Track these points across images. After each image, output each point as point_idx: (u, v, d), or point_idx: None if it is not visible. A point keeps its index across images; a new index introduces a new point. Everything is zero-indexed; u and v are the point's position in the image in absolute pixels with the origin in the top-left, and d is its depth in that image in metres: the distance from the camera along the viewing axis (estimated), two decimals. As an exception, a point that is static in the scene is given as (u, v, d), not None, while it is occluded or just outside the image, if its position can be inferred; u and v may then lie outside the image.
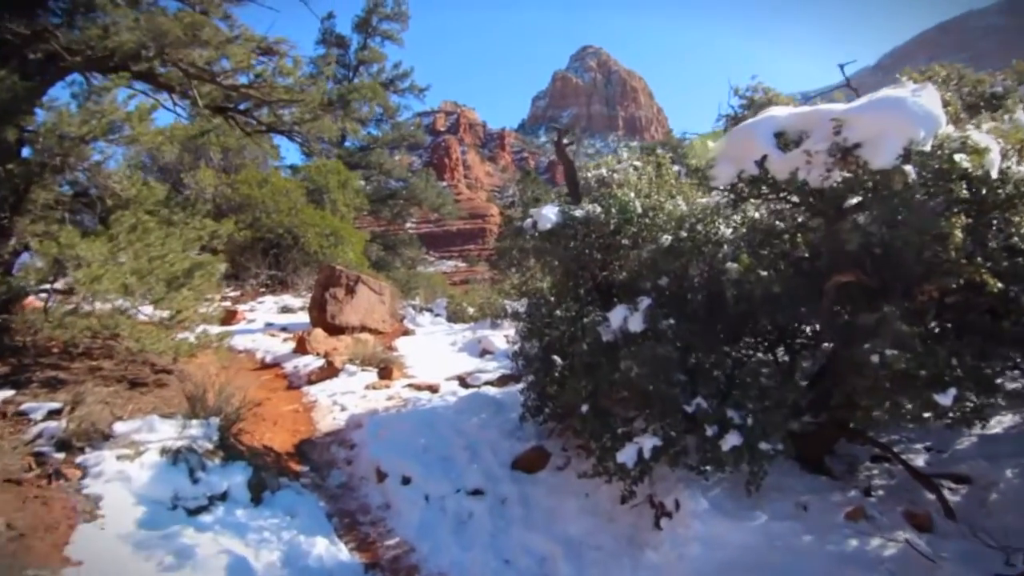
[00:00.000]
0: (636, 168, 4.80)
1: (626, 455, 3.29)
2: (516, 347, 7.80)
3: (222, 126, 8.48)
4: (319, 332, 8.84)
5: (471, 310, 12.38)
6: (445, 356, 9.06)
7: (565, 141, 5.66)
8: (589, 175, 5.06)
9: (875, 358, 2.66)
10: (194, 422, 4.21)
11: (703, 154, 5.13)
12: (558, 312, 4.31)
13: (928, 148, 2.56)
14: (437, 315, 12.31)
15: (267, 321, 11.25)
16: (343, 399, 6.61)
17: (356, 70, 22.17)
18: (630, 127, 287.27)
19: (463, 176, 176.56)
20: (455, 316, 12.24)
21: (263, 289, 15.45)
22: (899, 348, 2.62)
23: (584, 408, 3.52)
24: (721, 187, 3.22)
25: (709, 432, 3.17)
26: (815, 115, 2.75)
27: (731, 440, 3.09)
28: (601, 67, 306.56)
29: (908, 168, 2.49)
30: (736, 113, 5.72)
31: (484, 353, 8.87)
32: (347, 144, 22.65)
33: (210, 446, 4.06)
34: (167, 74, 5.64)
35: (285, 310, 13.01)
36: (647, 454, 3.25)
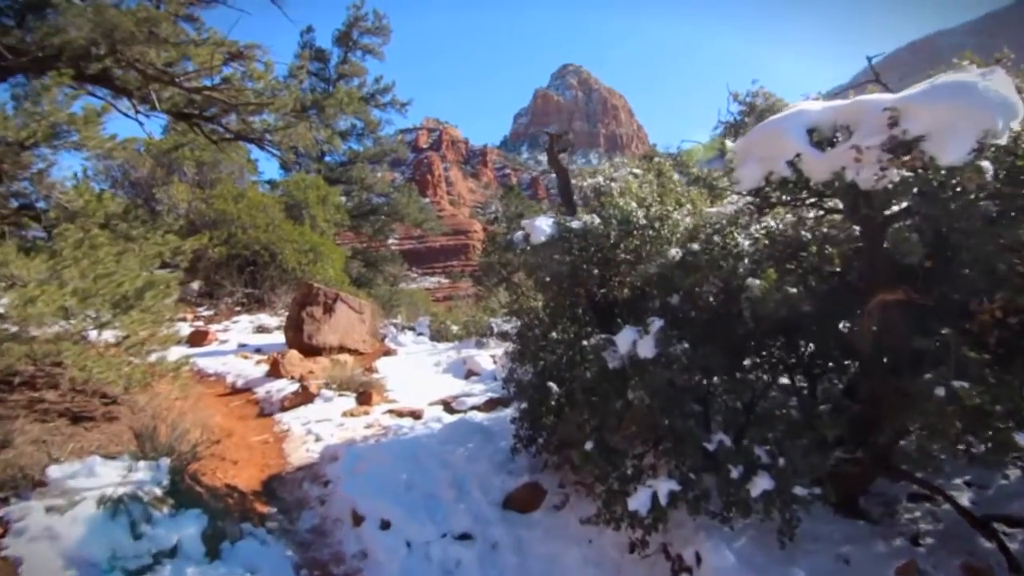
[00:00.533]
0: (636, 176, 4.41)
1: (639, 501, 2.85)
2: (506, 371, 7.35)
3: (192, 137, 8.00)
4: (294, 354, 8.31)
5: (455, 328, 11.90)
6: (428, 378, 8.57)
7: (558, 148, 5.26)
8: (584, 184, 4.67)
9: (940, 391, 2.27)
10: (141, 464, 3.68)
11: (705, 159, 4.71)
12: (554, 334, 3.89)
13: (1004, 141, 2.20)
14: (420, 334, 11.82)
15: (240, 342, 10.68)
16: (318, 428, 6.09)
17: (336, 84, 21.74)
18: (611, 144, 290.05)
19: (446, 192, 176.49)
20: (439, 335, 11.75)
21: (238, 308, 14.84)
22: (966, 378, 2.24)
23: (588, 445, 3.08)
24: (745, 192, 2.84)
25: (734, 473, 2.75)
26: (861, 106, 2.36)
27: (761, 483, 2.67)
28: (582, 85, 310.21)
29: (985, 164, 2.11)
30: (736, 120, 5.36)
31: (470, 375, 8.40)
32: (327, 159, 22.20)
33: (159, 492, 3.53)
34: (124, 76, 5.16)
35: (260, 330, 12.44)
36: (663, 500, 2.81)
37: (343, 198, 21.25)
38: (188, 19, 6.35)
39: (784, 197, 2.74)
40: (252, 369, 8.66)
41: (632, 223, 3.67)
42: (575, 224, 3.82)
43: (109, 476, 3.52)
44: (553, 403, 3.82)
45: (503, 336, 10.70)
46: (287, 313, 10.84)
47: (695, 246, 3.25)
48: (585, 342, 3.78)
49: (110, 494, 3.30)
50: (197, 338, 10.58)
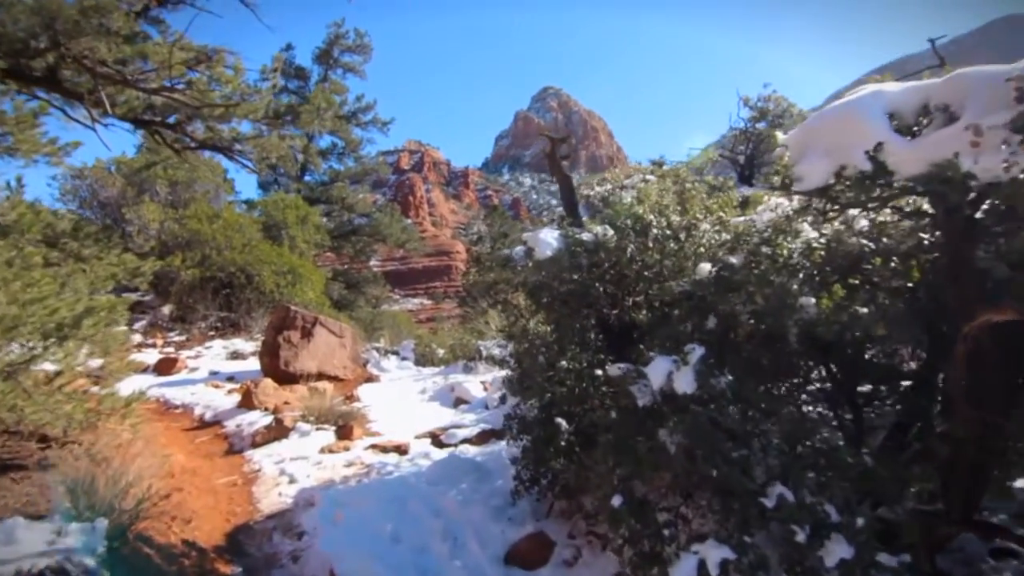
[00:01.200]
0: (647, 182, 3.94)
1: (683, 572, 2.31)
2: (500, 399, 6.76)
3: (164, 155, 7.39)
4: (268, 383, 7.68)
5: (441, 352, 11.32)
6: (414, 407, 7.97)
7: (560, 154, 4.76)
8: (591, 193, 4.18)
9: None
10: (73, 526, 3.07)
11: (702, 166, 4.24)
12: (563, 362, 3.35)
13: None
14: (404, 358, 11.22)
15: (212, 369, 9.99)
16: (293, 467, 5.47)
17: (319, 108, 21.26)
18: (592, 165, 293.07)
19: (428, 214, 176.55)
20: (424, 359, 11.17)
21: (212, 332, 14.12)
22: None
23: (616, 500, 2.54)
24: (808, 191, 2.36)
25: (800, 536, 2.23)
26: (965, 81, 1.92)
27: (837, 551, 2.15)
28: (562, 107, 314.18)
29: None
30: (746, 127, 4.94)
31: (458, 403, 7.82)
32: (307, 178, 21.64)
33: (92, 562, 2.92)
34: (73, 77, 4.59)
35: (235, 356, 11.75)
36: (713, 570, 2.27)
37: (323, 218, 20.66)
38: (153, 21, 5.83)
39: (860, 197, 2.27)
40: (223, 400, 8.00)
41: (652, 234, 3.19)
42: (585, 236, 3.33)
43: (32, 543, 2.90)
44: (563, 443, 3.29)
45: (493, 360, 10.16)
46: (263, 338, 10.20)
47: (734, 259, 2.77)
48: (599, 371, 3.27)
49: (27, 569, 2.68)
50: (165, 366, 9.89)
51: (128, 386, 9.41)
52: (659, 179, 3.91)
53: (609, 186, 4.10)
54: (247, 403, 7.31)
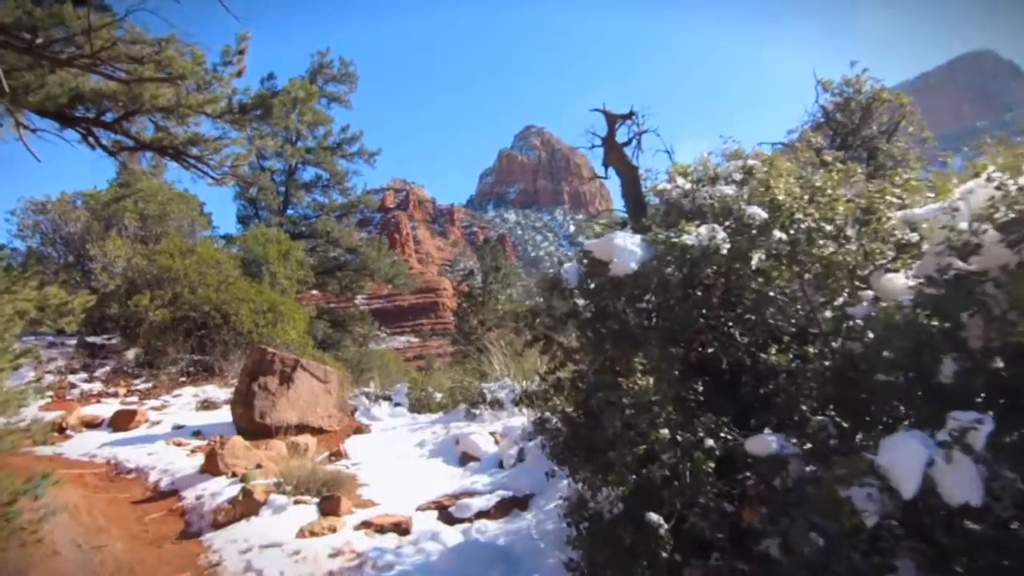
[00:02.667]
0: (747, 169, 2.86)
1: None
2: (521, 460, 5.66)
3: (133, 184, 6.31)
4: (237, 442, 6.44)
5: (438, 396, 10.13)
6: (413, 465, 6.78)
7: (626, 138, 3.72)
8: (669, 187, 3.11)
9: None
10: None
11: None
12: (664, 432, 2.25)
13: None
14: (397, 404, 9.99)
15: (177, 423, 8.71)
16: (262, 559, 4.25)
17: (300, 133, 20.37)
18: (575, 201, 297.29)
19: (414, 251, 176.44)
20: (419, 404, 9.95)
21: (183, 379, 12.79)
22: None
23: None
24: None
25: None
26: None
27: None
28: (544, 145, 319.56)
29: None
30: (828, 116, 3.96)
31: (466, 459, 6.63)
32: (290, 211, 20.59)
33: None
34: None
35: (205, 405, 10.47)
36: None
37: (307, 253, 19.56)
38: (99, 8, 4.81)
39: None
40: (184, 462, 6.75)
41: (800, 229, 2.15)
42: (690, 240, 2.29)
43: None
44: (665, 552, 2.16)
45: (499, 405, 9.00)
46: (236, 386, 8.97)
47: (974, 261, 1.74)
48: (710, 441, 2.16)
49: None
50: (122, 420, 8.60)
51: (79, 444, 8.15)
52: (768, 164, 2.87)
53: (688, 180, 3.05)
54: (211, 467, 6.08)
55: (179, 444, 7.54)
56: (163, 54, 3.82)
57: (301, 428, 8.29)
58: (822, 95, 4.27)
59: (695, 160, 3.09)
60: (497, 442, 6.80)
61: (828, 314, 2.15)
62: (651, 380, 2.36)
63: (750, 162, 2.77)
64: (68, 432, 8.39)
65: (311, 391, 8.65)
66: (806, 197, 2.32)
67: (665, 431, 2.18)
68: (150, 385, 12.18)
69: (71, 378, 11.94)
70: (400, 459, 7.13)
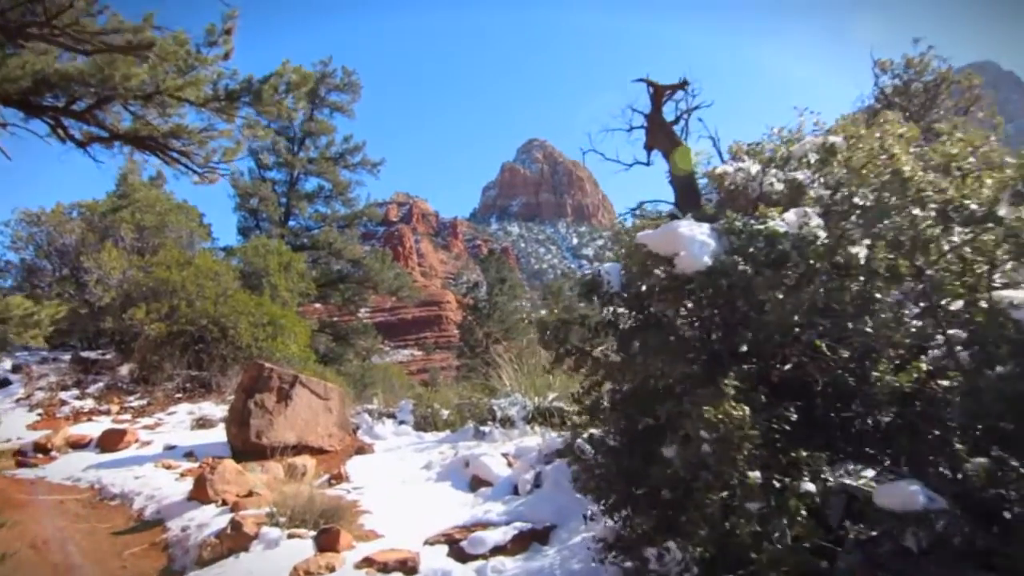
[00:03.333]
0: (838, 146, 2.36)
1: None
2: (538, 486, 5.16)
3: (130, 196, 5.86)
4: (228, 466, 5.93)
5: (445, 413, 9.61)
6: (419, 490, 6.26)
7: (670, 118, 3.22)
8: (731, 169, 2.61)
9: None
10: None
11: None
12: (754, 474, 1.75)
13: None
14: (401, 422, 9.47)
15: (168, 443, 8.21)
16: (251, 604, 3.74)
17: (302, 143, 20.04)
18: (578, 214, 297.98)
19: (417, 264, 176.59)
20: (425, 422, 9.43)
21: (179, 395, 12.30)
22: None
23: None
24: None
25: None
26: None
27: None
28: (547, 158, 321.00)
29: None
30: (888, 101, 3.49)
31: (477, 484, 6.10)
32: (292, 223, 20.19)
33: None
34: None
35: (201, 424, 9.96)
36: None
37: (309, 265, 19.13)
38: None
39: None
40: (172, 487, 6.25)
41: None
42: (779, 226, 1.81)
43: None
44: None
45: (511, 423, 8.48)
46: (231, 403, 8.49)
47: None
48: (809, 485, 1.66)
49: None
50: (111, 440, 8.12)
51: (64, 466, 7.65)
52: (849, 139, 2.38)
53: (755, 162, 2.56)
54: (200, 493, 5.57)
55: (169, 467, 7.04)
56: (141, 35, 3.39)
57: (300, 448, 7.80)
58: (881, 78, 3.81)
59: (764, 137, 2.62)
60: (510, 464, 6.27)
61: (979, 318, 1.67)
62: (726, 405, 1.87)
63: (832, 139, 2.29)
64: (53, 453, 7.92)
65: (310, 409, 8.16)
66: (929, 175, 1.84)
67: (755, 473, 1.69)
68: (144, 402, 11.69)
69: (62, 395, 11.47)
70: (405, 483, 6.62)
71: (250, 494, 5.53)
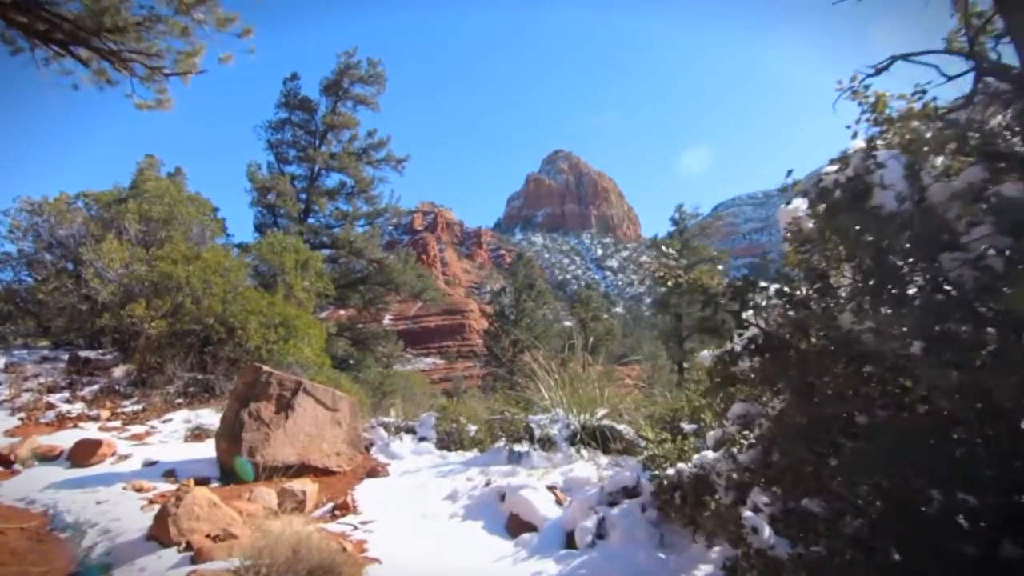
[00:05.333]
0: None
1: None
2: (601, 538, 3.91)
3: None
4: (199, 497, 4.60)
5: (472, 429, 8.29)
6: (442, 531, 4.93)
7: None
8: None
9: None
10: None
11: None
12: None
13: None
14: (422, 438, 8.16)
15: (149, 458, 6.99)
16: None
17: (324, 137, 19.01)
18: (602, 225, 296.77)
19: (441, 273, 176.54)
20: (449, 439, 8.12)
21: (180, 400, 11.15)
22: None
23: None
24: None
25: None
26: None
27: None
28: (572, 169, 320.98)
29: None
30: None
31: (517, 527, 4.75)
32: (311, 220, 19.13)
33: None
34: None
35: (196, 435, 8.76)
36: None
37: (328, 265, 18.02)
38: None
39: None
40: (134, 518, 4.99)
41: None
42: None
43: None
44: None
45: (551, 444, 7.12)
46: (223, 413, 7.28)
47: None
48: None
49: None
50: (83, 452, 6.94)
51: (23, 484, 6.46)
52: None
53: None
54: (161, 532, 4.30)
55: (140, 489, 5.81)
56: None
57: (301, 468, 6.56)
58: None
59: None
60: (559, 501, 4.91)
61: None
62: None
63: None
64: (16, 467, 6.74)
65: (316, 421, 6.89)
66: None
67: None
68: (140, 407, 10.55)
69: (50, 397, 10.39)
70: (426, 519, 5.30)
71: (224, 535, 4.24)
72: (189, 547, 4.07)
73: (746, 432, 3.07)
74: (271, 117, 18.26)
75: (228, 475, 6.34)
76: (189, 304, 11.77)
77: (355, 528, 5.09)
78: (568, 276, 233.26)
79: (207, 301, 11.90)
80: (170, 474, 6.44)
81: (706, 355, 3.04)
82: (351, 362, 18.58)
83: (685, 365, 28.83)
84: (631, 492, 4.32)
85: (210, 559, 3.77)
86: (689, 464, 3.85)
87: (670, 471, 3.82)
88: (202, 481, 6.24)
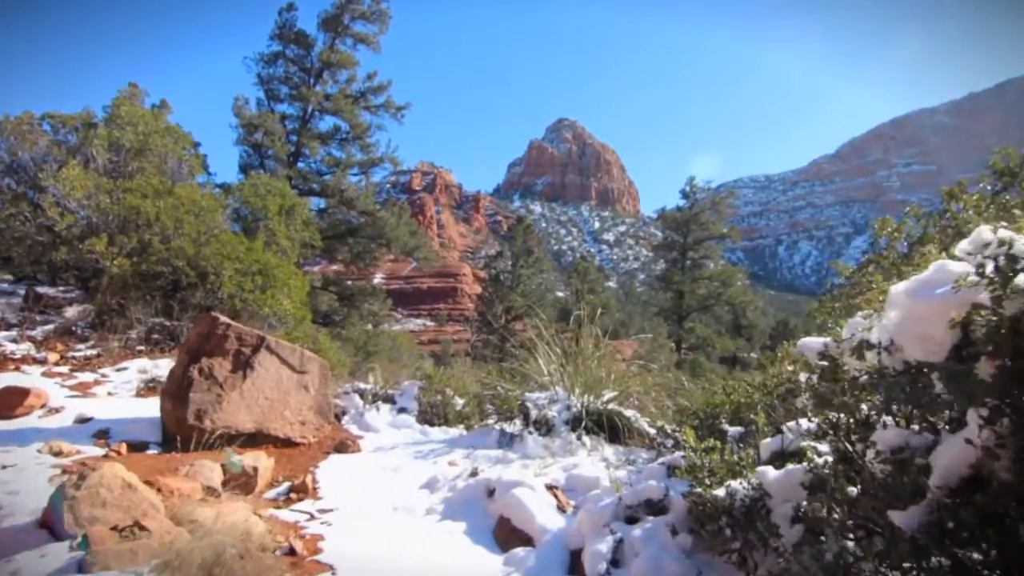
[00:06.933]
0: None
1: None
2: (617, 566, 2.93)
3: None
4: (109, 476, 3.61)
5: (460, 402, 7.39)
6: (415, 532, 4.03)
7: None
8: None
9: None
10: None
11: None
12: None
13: None
14: (402, 409, 7.25)
15: (84, 414, 6.02)
16: None
17: (319, 76, 17.66)
18: (602, 198, 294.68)
19: (436, 235, 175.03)
20: (433, 412, 7.22)
21: (142, 347, 10.18)
22: None
23: None
24: None
25: None
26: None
27: None
28: (576, 139, 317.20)
29: None
30: None
31: (508, 536, 3.84)
32: (301, 165, 17.91)
33: None
34: None
35: (151, 387, 7.81)
36: None
37: (316, 213, 16.88)
38: None
39: None
40: (39, 492, 4.03)
41: None
42: None
43: None
44: None
45: (547, 426, 6.23)
46: (171, 367, 6.33)
47: None
48: None
49: None
50: (6, 401, 5.96)
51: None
52: None
53: None
54: (55, 518, 3.36)
55: (58, 453, 4.86)
56: None
57: (260, 437, 5.66)
58: None
59: None
60: (561, 507, 4.00)
61: None
62: None
63: None
64: (-77, 417, 5.80)
65: (279, 384, 5.95)
66: None
67: None
68: (95, 353, 9.57)
69: (-4, 335, 9.41)
70: (396, 512, 4.40)
71: (133, 529, 3.30)
72: (83, 542, 3.14)
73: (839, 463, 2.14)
74: (263, 49, 16.92)
75: (170, 440, 5.40)
76: (158, 243, 10.72)
77: (311, 518, 4.20)
78: (564, 247, 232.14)
79: (178, 241, 10.84)
80: (102, 435, 5.49)
81: (812, 344, 2.08)
82: (336, 318, 17.59)
83: (683, 345, 28.09)
84: (656, 507, 3.41)
85: (103, 568, 2.84)
86: (744, 482, 2.93)
87: (718, 492, 2.88)
88: (139, 446, 5.32)
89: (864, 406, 1.90)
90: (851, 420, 1.92)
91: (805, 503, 2.77)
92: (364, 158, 17.89)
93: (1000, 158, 6.88)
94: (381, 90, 18.23)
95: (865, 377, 1.91)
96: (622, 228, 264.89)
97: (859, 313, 2.04)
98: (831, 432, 2.06)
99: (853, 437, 1.91)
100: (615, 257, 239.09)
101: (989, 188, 7.34)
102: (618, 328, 27.34)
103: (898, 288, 1.73)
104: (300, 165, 17.55)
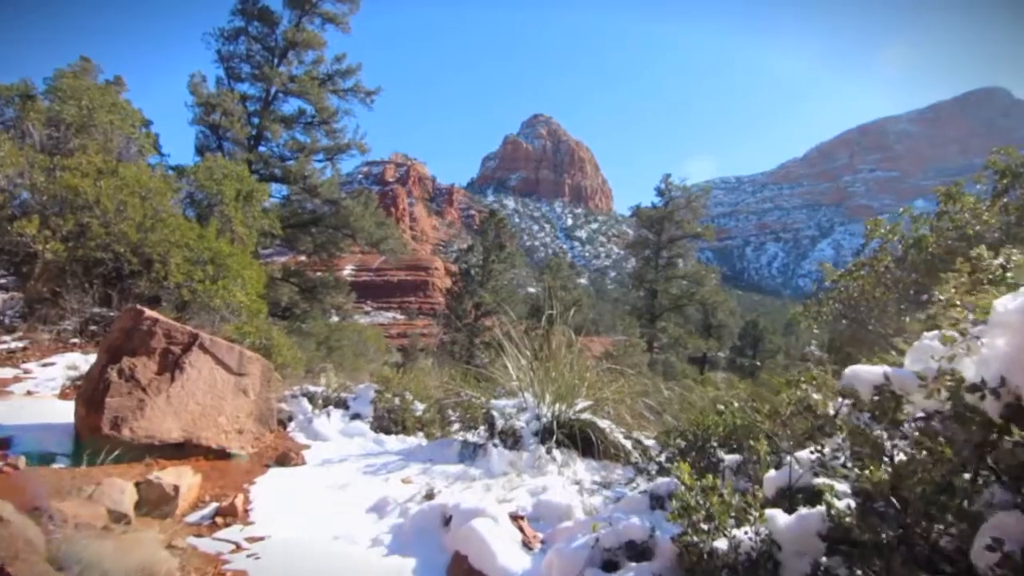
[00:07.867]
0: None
1: None
2: None
3: None
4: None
5: (420, 407, 6.80)
6: (356, 570, 3.43)
7: None
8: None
9: None
10: None
11: None
12: None
13: None
14: (356, 415, 6.62)
15: (-14, 417, 5.26)
16: None
17: (284, 56, 16.77)
18: (575, 195, 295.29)
19: (409, 227, 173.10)
20: (389, 419, 6.62)
21: (76, 339, 9.35)
22: None
23: None
24: None
25: None
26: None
27: None
28: (551, 135, 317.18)
29: None
30: None
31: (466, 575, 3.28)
32: (262, 148, 17.01)
33: None
34: None
35: (77, 385, 7.03)
36: None
37: (278, 201, 16.04)
38: None
39: None
40: None
41: None
42: None
43: None
44: None
45: (513, 438, 5.68)
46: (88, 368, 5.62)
47: None
48: None
49: None
50: None
51: None
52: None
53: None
54: None
55: (-63, 468, 4.14)
56: None
57: (188, 448, 4.99)
58: None
59: None
60: (527, 543, 3.45)
61: None
62: None
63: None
64: None
65: (213, 388, 5.28)
66: None
67: None
68: (22, 345, 8.72)
69: (-94, 324, 8.50)
70: (337, 542, 3.80)
71: (17, 555, 2.65)
72: (-77, 599, 2.48)
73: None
74: (224, 24, 15.93)
75: (82, 449, 4.70)
76: (97, 227, 9.87)
77: (236, 549, 3.59)
78: (536, 243, 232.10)
79: (120, 225, 10.01)
80: (3, 445, 4.77)
81: (866, 375, 1.55)
82: (296, 312, 16.78)
83: (655, 344, 27.82)
84: (639, 550, 2.89)
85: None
86: (749, 529, 2.42)
87: (719, 544, 2.36)
88: (43, 459, 4.61)
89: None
90: (925, 487, 1.39)
91: (824, 558, 2.29)
92: (330, 144, 17.05)
93: (1000, 158, 6.47)
94: (350, 73, 17.41)
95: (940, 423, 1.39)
96: (595, 225, 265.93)
97: (927, 335, 1.52)
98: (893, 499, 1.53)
99: (934, 510, 1.39)
100: (587, 254, 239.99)
101: (983, 189, 6.76)
102: (589, 326, 26.99)
103: (1008, 304, 1.21)
104: (261, 149, 16.64)
